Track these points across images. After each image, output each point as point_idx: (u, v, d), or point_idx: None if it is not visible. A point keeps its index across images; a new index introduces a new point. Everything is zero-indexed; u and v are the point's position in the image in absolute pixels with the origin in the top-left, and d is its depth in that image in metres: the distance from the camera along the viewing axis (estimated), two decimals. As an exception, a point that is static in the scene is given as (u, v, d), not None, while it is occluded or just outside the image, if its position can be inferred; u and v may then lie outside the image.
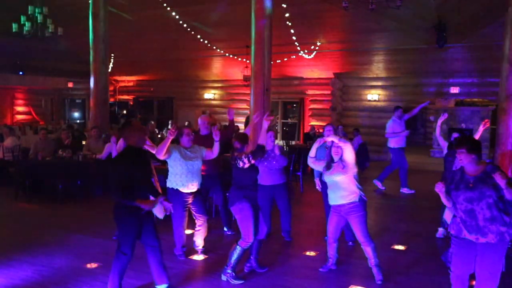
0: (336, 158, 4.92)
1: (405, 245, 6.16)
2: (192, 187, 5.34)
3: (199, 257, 5.51)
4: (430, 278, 5.05)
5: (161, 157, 5.23)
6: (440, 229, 6.47)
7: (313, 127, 14.24)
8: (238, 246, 4.78)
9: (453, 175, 3.92)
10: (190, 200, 5.38)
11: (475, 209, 3.69)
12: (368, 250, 4.86)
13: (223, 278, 4.84)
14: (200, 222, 5.49)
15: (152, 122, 12.95)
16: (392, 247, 6.08)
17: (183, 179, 5.28)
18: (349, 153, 4.85)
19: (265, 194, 5.98)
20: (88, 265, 5.22)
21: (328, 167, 4.95)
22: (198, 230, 5.52)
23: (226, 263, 4.83)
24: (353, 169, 4.85)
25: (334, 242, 5.10)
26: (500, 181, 3.52)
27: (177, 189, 5.32)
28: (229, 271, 4.80)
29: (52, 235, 6.39)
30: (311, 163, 5.22)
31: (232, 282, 4.77)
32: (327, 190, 5.05)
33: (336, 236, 5.07)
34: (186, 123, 14.20)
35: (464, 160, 3.74)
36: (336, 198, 4.90)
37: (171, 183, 5.38)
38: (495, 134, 7.63)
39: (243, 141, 4.87)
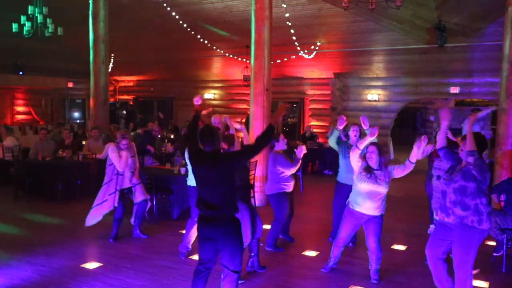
0: (373, 165, 4.70)
1: (405, 245, 6.17)
2: None
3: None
4: (430, 278, 5.04)
5: None
6: (431, 226, 6.53)
7: (308, 127, 14.14)
8: None
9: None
10: None
11: (446, 191, 4.12)
12: (373, 258, 4.86)
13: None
14: None
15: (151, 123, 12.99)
16: (392, 247, 6.08)
17: None
18: (402, 173, 4.75)
19: (288, 201, 5.92)
20: (88, 265, 5.22)
21: (368, 171, 4.70)
22: None
23: None
24: None
25: (343, 247, 5.08)
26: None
27: (195, 187, 5.35)
28: None
29: (52, 235, 6.40)
30: (355, 154, 4.79)
31: None
32: (360, 196, 4.75)
33: (347, 241, 5.05)
34: (187, 122, 14.18)
35: (463, 154, 4.04)
36: (371, 208, 4.72)
37: (191, 181, 5.44)
38: (495, 134, 7.64)
39: (230, 142, 4.87)
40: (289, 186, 5.84)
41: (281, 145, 5.83)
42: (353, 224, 4.89)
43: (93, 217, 6.26)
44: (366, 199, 4.71)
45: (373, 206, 4.71)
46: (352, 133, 6.10)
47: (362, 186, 4.70)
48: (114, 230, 6.26)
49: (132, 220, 6.40)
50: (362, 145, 4.74)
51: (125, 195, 6.31)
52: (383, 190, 4.68)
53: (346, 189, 5.63)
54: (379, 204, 4.73)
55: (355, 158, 4.77)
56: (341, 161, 6.07)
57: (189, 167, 5.47)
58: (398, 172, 4.74)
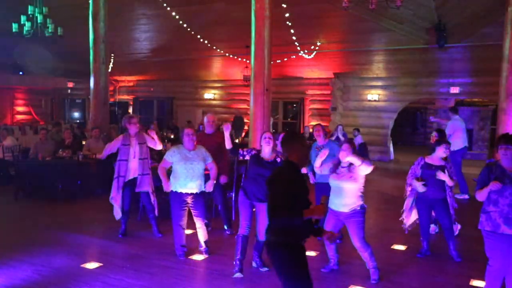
0: (343, 162, 4.86)
1: (405, 245, 6.17)
2: (191, 189, 5.34)
3: (199, 257, 5.51)
4: (430, 278, 5.05)
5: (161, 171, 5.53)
6: (432, 226, 6.51)
7: (307, 127, 14.21)
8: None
9: (488, 171, 4.07)
10: (189, 200, 5.38)
11: None
12: (365, 256, 4.87)
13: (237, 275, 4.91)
14: (198, 225, 5.50)
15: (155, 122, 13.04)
16: (392, 247, 6.08)
17: (182, 179, 5.29)
18: (365, 171, 4.77)
19: None
20: (88, 265, 5.21)
21: (334, 170, 4.90)
22: (198, 231, 5.55)
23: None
24: (362, 180, 4.83)
25: (332, 243, 5.10)
26: None
27: (175, 191, 5.35)
28: (236, 268, 4.91)
29: (52, 235, 6.39)
30: (317, 170, 5.20)
31: (234, 274, 4.89)
32: (331, 193, 4.94)
33: None
34: (187, 122, 14.20)
35: (508, 157, 3.93)
36: (338, 204, 4.84)
37: (171, 185, 5.42)
38: (495, 134, 7.64)
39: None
40: None
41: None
42: (332, 221, 4.96)
43: (115, 210, 6.25)
44: (334, 195, 4.88)
45: (340, 202, 4.82)
46: (316, 134, 6.08)
47: (330, 183, 4.93)
48: (122, 226, 6.28)
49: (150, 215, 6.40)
50: (318, 163, 5.09)
51: (133, 186, 6.22)
52: (345, 185, 4.76)
53: (322, 187, 5.62)
54: (347, 201, 4.78)
55: (318, 172, 5.18)
56: (314, 160, 6.01)
57: (173, 168, 5.43)
58: (360, 170, 4.76)
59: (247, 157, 5.00)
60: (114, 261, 5.34)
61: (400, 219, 5.92)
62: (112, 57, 15.52)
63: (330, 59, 14.19)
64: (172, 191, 5.39)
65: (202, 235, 5.54)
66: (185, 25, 12.02)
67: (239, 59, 14.18)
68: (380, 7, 7.63)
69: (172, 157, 5.36)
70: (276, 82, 11.87)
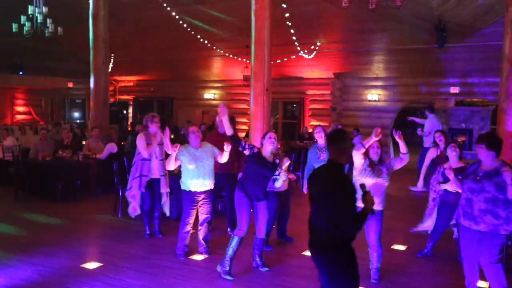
0: (376, 159, 4.81)
1: (405, 245, 6.17)
2: (204, 186, 5.36)
3: (199, 257, 5.52)
4: (430, 278, 5.05)
5: (172, 168, 5.42)
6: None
7: (305, 127, 14.26)
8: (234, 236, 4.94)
9: (471, 165, 4.23)
10: (200, 198, 5.39)
11: (473, 199, 4.01)
12: (374, 255, 4.86)
13: (218, 269, 4.94)
14: (202, 221, 5.52)
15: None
16: (392, 247, 6.08)
17: (195, 179, 5.31)
18: (405, 161, 4.86)
19: (278, 201, 5.87)
20: (88, 265, 5.22)
21: (372, 166, 4.77)
22: (200, 229, 5.55)
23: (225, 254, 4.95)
24: None
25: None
26: (506, 176, 3.81)
27: (189, 190, 5.35)
28: (226, 267, 4.89)
29: (52, 235, 6.39)
30: (360, 152, 4.78)
31: (223, 276, 4.87)
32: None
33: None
34: (186, 122, 14.21)
35: (482, 155, 3.98)
36: (376, 203, 4.55)
37: (183, 184, 5.41)
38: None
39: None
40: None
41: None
42: None
43: (132, 208, 6.23)
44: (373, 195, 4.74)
45: (376, 200, 4.65)
46: (317, 135, 6.00)
47: (366, 181, 4.70)
48: (145, 226, 6.30)
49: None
50: (368, 144, 4.81)
51: (152, 186, 6.22)
52: (385, 183, 4.78)
53: None
54: (381, 199, 4.79)
55: (360, 156, 4.81)
56: (315, 164, 5.74)
57: (183, 169, 5.43)
58: (396, 164, 4.92)
59: (246, 152, 4.94)
60: (114, 261, 5.34)
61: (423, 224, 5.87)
62: (112, 57, 15.52)
63: (330, 59, 14.18)
64: (184, 190, 5.40)
65: (204, 232, 5.56)
66: (185, 25, 12.01)
67: (239, 59, 14.18)
68: (380, 7, 7.62)
69: (180, 155, 5.35)
70: (276, 82, 11.86)
